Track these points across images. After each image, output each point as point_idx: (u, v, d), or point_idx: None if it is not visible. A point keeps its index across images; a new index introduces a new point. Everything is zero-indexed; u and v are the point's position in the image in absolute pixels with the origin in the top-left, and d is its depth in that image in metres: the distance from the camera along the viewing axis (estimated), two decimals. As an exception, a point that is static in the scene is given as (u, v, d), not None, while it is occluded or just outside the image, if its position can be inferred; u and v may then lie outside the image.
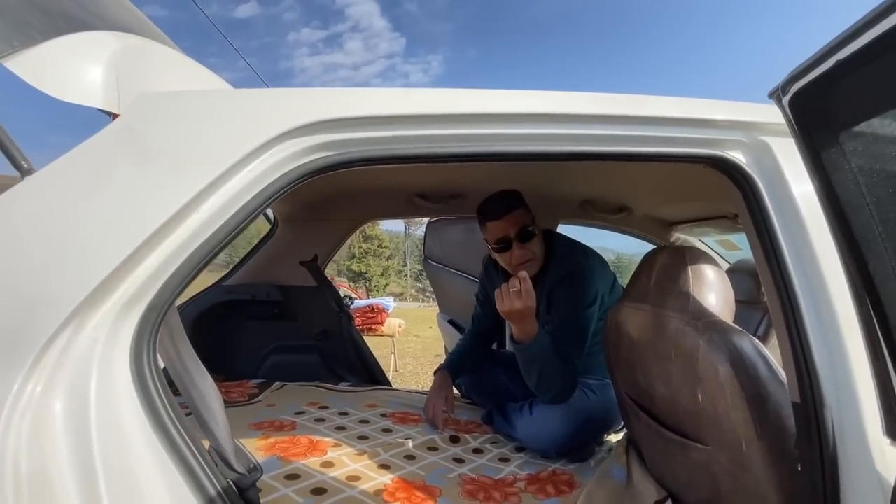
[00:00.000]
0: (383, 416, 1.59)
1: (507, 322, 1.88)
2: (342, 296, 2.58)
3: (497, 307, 1.30)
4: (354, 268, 36.42)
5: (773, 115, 0.79)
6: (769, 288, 0.76)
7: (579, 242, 1.59)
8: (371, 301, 6.47)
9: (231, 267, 2.16)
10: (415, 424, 1.54)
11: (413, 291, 42.64)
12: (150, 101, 0.70)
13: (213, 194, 0.67)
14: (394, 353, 5.51)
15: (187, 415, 0.70)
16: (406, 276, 46.38)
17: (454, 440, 1.46)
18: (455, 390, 1.80)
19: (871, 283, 0.52)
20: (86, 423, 0.57)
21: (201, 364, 0.75)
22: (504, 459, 1.37)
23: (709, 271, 1.00)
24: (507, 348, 2.22)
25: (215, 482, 0.65)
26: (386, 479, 1.18)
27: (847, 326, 0.68)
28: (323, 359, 2.12)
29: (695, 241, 2.36)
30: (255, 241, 2.18)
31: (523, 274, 1.27)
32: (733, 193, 0.82)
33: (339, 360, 2.13)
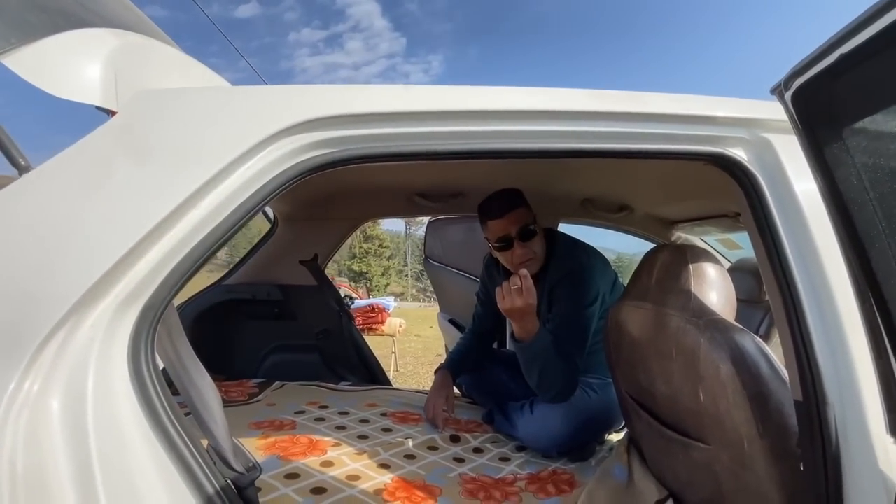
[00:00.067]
0: (383, 415, 1.59)
1: (507, 321, 1.88)
2: (343, 295, 2.58)
3: (498, 305, 1.30)
4: (355, 268, 36.43)
5: (774, 111, 0.78)
6: (771, 285, 0.75)
7: (580, 241, 1.59)
8: (372, 301, 6.47)
9: (232, 266, 2.16)
10: (415, 424, 1.54)
11: (414, 291, 42.66)
12: (148, 98, 0.70)
13: (211, 191, 0.66)
14: (394, 352, 5.51)
15: (186, 414, 0.69)
16: (407, 275, 46.39)
17: (454, 439, 1.45)
18: (455, 390, 1.80)
19: (875, 280, 0.52)
20: (83, 422, 0.57)
21: (200, 363, 0.75)
22: (504, 459, 1.36)
23: (710, 269, 0.99)
24: (507, 347, 2.21)
25: (213, 481, 0.64)
26: (386, 478, 1.17)
27: (850, 324, 0.67)
28: (323, 358, 2.12)
29: (696, 240, 2.35)
30: (256, 241, 2.18)
31: (524, 272, 1.27)
32: (735, 191, 0.81)
33: (339, 360, 2.13)
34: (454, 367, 1.71)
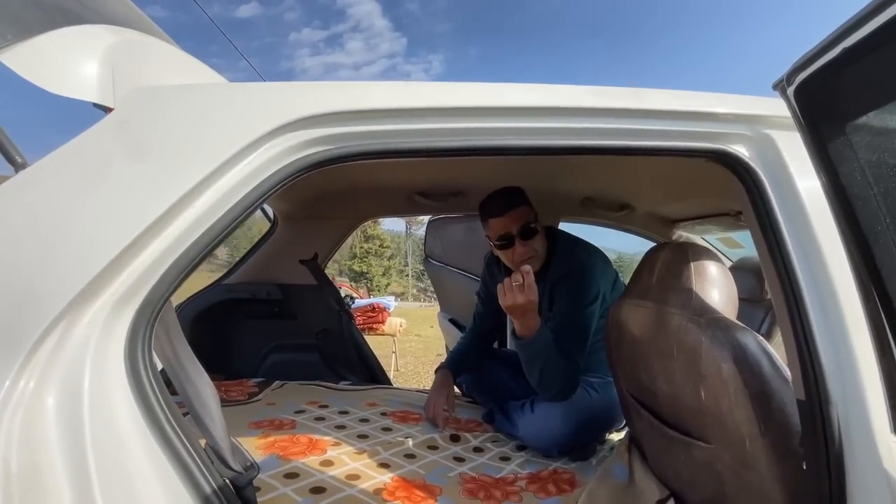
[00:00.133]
0: (383, 414, 1.59)
1: (508, 320, 1.87)
2: (343, 295, 2.58)
3: (499, 302, 1.30)
4: (356, 267, 36.45)
5: (776, 107, 0.77)
6: (773, 283, 0.75)
7: (581, 239, 1.58)
8: (372, 300, 6.48)
9: (231, 266, 2.15)
10: (415, 423, 1.53)
11: (414, 291, 42.68)
12: (145, 94, 0.70)
13: (208, 189, 0.66)
14: (395, 352, 5.50)
15: (185, 414, 0.69)
16: (407, 275, 46.40)
17: (455, 439, 1.45)
18: (456, 389, 1.79)
19: (879, 277, 0.51)
20: (79, 420, 0.56)
21: (197, 361, 0.74)
22: (505, 458, 1.36)
23: (712, 267, 0.99)
24: (508, 347, 2.21)
25: (211, 480, 0.64)
26: (386, 477, 1.17)
27: (853, 322, 0.66)
28: (323, 358, 2.11)
29: (697, 239, 2.34)
30: (257, 240, 2.18)
31: (526, 268, 1.27)
32: (736, 188, 0.81)
33: (339, 359, 2.13)
34: (455, 367, 1.71)
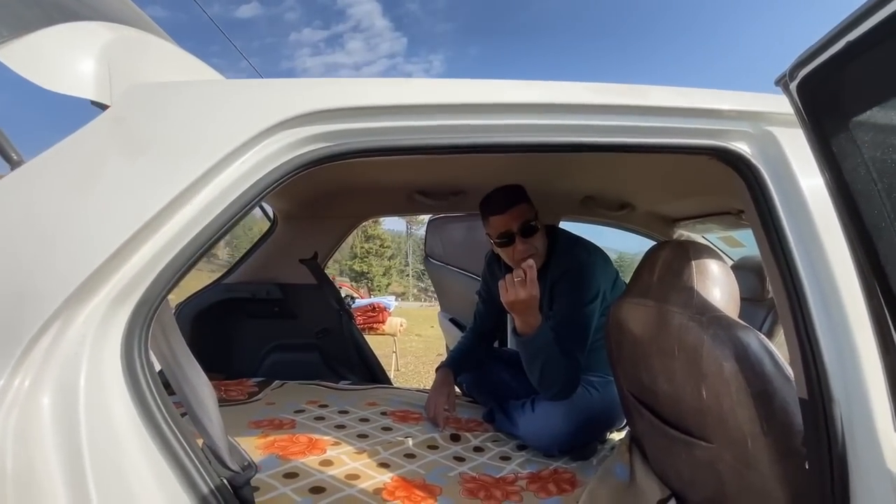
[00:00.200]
0: (383, 414, 1.58)
1: (508, 318, 1.87)
2: (344, 295, 2.57)
3: (501, 298, 1.30)
4: (356, 267, 36.47)
5: (778, 104, 0.77)
6: (776, 281, 0.74)
7: (581, 238, 1.58)
8: (373, 300, 6.48)
9: (231, 265, 2.15)
10: (415, 423, 1.53)
11: (415, 291, 42.69)
12: (142, 91, 0.69)
13: (205, 186, 0.65)
14: (395, 352, 5.50)
15: (183, 415, 0.68)
16: (408, 275, 46.41)
17: (455, 438, 1.44)
18: (456, 388, 1.79)
19: (883, 274, 0.51)
20: (75, 419, 0.56)
21: (195, 361, 0.74)
22: (505, 458, 1.35)
23: (713, 266, 0.98)
24: (508, 346, 2.20)
25: (208, 480, 0.63)
26: (385, 477, 1.16)
27: (856, 319, 0.66)
28: (323, 357, 2.11)
29: (698, 238, 2.34)
30: (257, 240, 2.18)
31: (530, 262, 1.27)
32: (738, 186, 0.80)
33: (339, 359, 2.12)
34: (455, 366, 1.71)
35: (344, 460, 1.22)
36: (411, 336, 8.42)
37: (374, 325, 5.85)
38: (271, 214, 2.10)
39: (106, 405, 0.58)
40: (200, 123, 0.68)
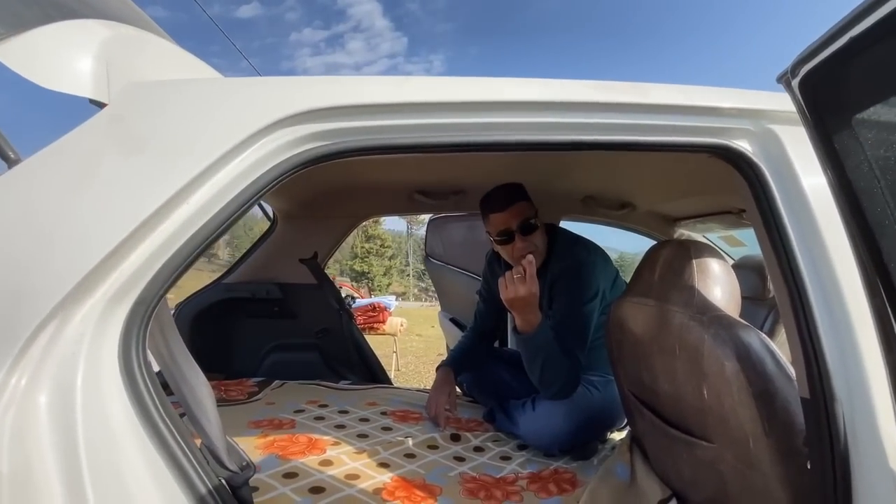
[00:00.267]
0: (383, 414, 1.58)
1: (509, 317, 1.87)
2: (344, 295, 2.57)
3: (501, 295, 1.30)
4: (357, 267, 36.47)
5: (780, 102, 0.76)
6: (777, 280, 0.74)
7: (581, 237, 1.58)
8: (373, 300, 6.48)
9: (231, 265, 2.15)
10: (415, 423, 1.52)
11: (416, 291, 42.69)
12: (139, 89, 0.69)
13: (204, 185, 0.65)
14: (395, 351, 5.50)
15: (180, 415, 0.68)
16: (408, 275, 46.41)
17: (455, 438, 1.44)
18: (457, 388, 1.78)
19: (886, 271, 0.50)
20: (71, 418, 0.55)
21: (193, 360, 0.73)
22: (505, 458, 1.35)
23: (714, 265, 0.98)
24: (508, 346, 2.20)
25: (206, 480, 0.63)
26: (385, 477, 1.16)
27: (858, 318, 0.65)
28: (323, 357, 2.11)
29: (698, 238, 2.33)
30: (257, 239, 2.17)
31: (530, 258, 1.26)
32: (739, 184, 0.79)
33: (339, 359, 2.12)
34: (456, 365, 1.70)
35: (344, 460, 1.22)
36: (412, 336, 8.42)
37: (375, 325, 5.85)
38: (271, 214, 2.10)
39: (103, 404, 0.58)
40: (198, 121, 0.67)
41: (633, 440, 1.25)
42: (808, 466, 0.70)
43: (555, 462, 1.33)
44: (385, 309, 6.05)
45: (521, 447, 1.42)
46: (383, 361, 2.27)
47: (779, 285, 0.73)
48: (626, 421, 1.41)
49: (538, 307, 1.32)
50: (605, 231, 2.42)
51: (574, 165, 1.65)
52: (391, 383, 2.25)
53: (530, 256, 1.28)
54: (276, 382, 1.84)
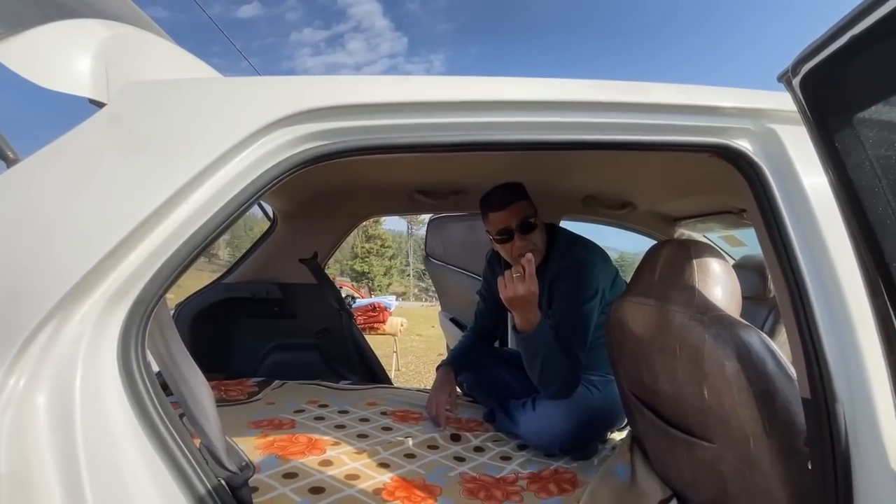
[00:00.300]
0: (383, 414, 1.58)
1: (509, 317, 1.87)
2: (345, 295, 2.57)
3: (500, 294, 1.30)
4: (357, 267, 36.48)
5: (780, 101, 0.76)
6: (778, 279, 0.73)
7: (581, 237, 1.58)
8: (373, 300, 6.48)
9: (231, 265, 2.15)
10: (415, 423, 1.52)
11: (416, 291, 42.70)
12: (138, 88, 0.69)
13: (203, 185, 0.65)
14: (395, 351, 5.50)
15: (180, 415, 0.68)
16: (409, 275, 46.42)
17: (455, 438, 1.44)
18: (457, 388, 1.78)
19: (887, 271, 0.50)
20: (70, 419, 0.55)
21: (192, 361, 0.73)
22: (506, 458, 1.34)
23: (714, 264, 0.98)
24: (508, 345, 2.20)
25: (205, 480, 0.63)
26: (385, 477, 1.16)
27: (859, 318, 0.65)
28: (323, 357, 2.11)
29: (699, 237, 2.33)
30: (257, 239, 2.17)
31: (529, 256, 1.26)
32: (739, 184, 0.79)
33: (339, 359, 2.12)
34: (456, 364, 1.70)
35: (344, 460, 1.22)
36: (412, 336, 8.42)
37: (375, 325, 5.85)
38: (271, 214, 2.09)
39: (102, 405, 0.58)
40: (197, 121, 0.67)
41: (634, 440, 1.25)
42: (809, 466, 0.70)
43: (555, 462, 1.33)
44: (385, 309, 6.05)
45: (522, 447, 1.42)
46: (383, 361, 2.27)
47: (779, 285, 0.73)
48: (626, 421, 1.41)
49: (538, 306, 1.32)
50: (605, 231, 2.42)
51: (574, 165, 1.65)
52: (391, 383, 2.24)
53: (529, 255, 1.28)
54: (276, 382, 1.84)
